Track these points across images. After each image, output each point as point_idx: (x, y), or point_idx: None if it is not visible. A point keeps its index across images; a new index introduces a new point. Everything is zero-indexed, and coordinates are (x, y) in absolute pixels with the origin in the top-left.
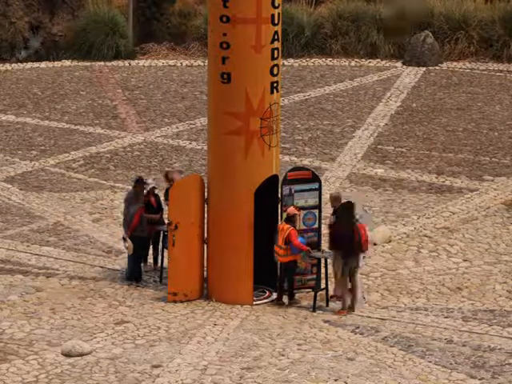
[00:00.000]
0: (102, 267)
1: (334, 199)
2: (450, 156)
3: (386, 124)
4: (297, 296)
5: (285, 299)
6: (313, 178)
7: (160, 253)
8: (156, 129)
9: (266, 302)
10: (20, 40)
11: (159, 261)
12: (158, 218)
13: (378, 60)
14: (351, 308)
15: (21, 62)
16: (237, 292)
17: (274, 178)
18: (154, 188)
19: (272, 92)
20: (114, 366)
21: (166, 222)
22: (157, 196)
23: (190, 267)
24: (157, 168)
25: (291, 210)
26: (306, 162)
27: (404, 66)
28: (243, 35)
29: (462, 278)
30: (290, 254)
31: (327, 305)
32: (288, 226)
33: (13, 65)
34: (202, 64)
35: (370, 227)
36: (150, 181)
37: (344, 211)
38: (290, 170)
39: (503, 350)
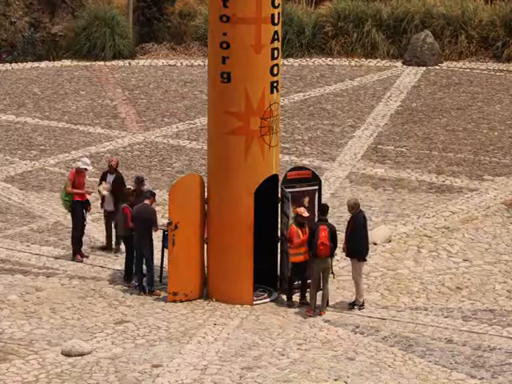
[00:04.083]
0: (102, 267)
1: (351, 207)
2: (449, 156)
3: (386, 124)
4: (294, 296)
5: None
6: (313, 177)
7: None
8: (156, 128)
9: (265, 302)
10: (20, 40)
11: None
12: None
13: (378, 60)
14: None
15: (21, 61)
16: (237, 292)
17: (274, 177)
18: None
19: (272, 92)
20: (114, 365)
21: (166, 221)
22: None
23: (190, 267)
24: (157, 168)
25: (298, 210)
26: (305, 161)
27: (404, 66)
28: (243, 35)
29: (462, 277)
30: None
31: (327, 304)
32: (293, 225)
33: (13, 64)
34: (202, 64)
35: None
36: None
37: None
38: (290, 170)
39: (503, 349)
